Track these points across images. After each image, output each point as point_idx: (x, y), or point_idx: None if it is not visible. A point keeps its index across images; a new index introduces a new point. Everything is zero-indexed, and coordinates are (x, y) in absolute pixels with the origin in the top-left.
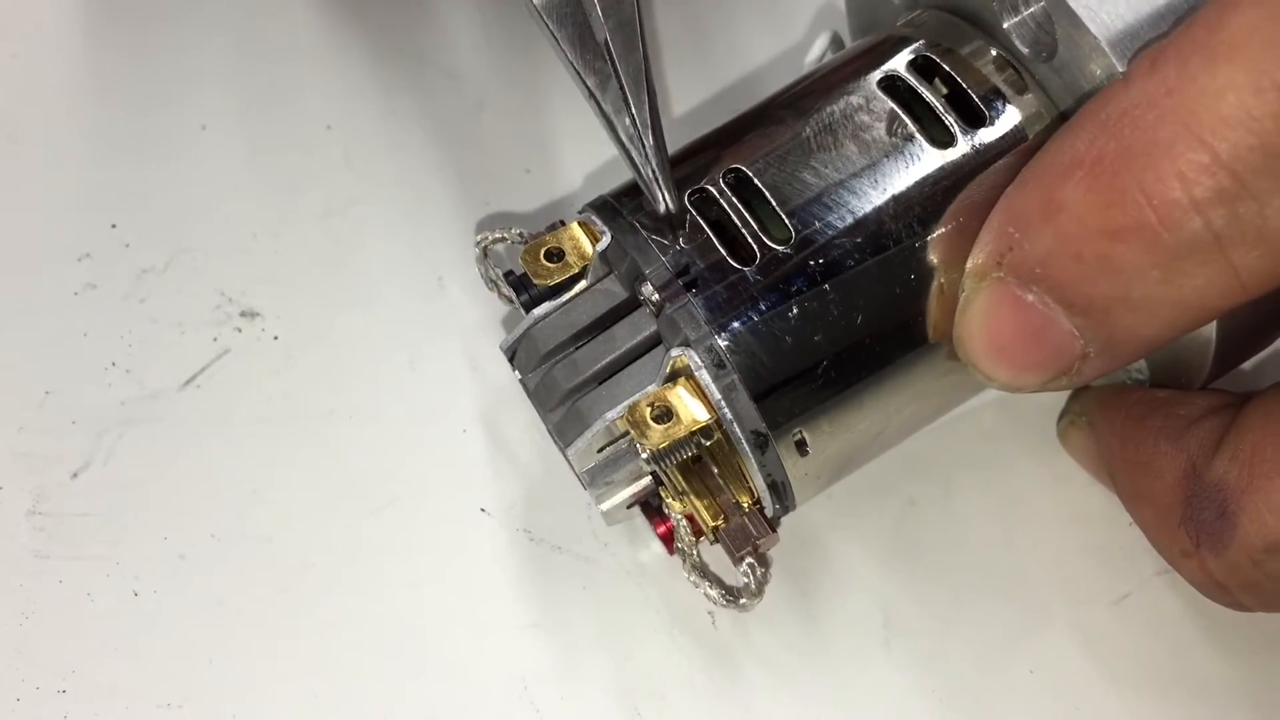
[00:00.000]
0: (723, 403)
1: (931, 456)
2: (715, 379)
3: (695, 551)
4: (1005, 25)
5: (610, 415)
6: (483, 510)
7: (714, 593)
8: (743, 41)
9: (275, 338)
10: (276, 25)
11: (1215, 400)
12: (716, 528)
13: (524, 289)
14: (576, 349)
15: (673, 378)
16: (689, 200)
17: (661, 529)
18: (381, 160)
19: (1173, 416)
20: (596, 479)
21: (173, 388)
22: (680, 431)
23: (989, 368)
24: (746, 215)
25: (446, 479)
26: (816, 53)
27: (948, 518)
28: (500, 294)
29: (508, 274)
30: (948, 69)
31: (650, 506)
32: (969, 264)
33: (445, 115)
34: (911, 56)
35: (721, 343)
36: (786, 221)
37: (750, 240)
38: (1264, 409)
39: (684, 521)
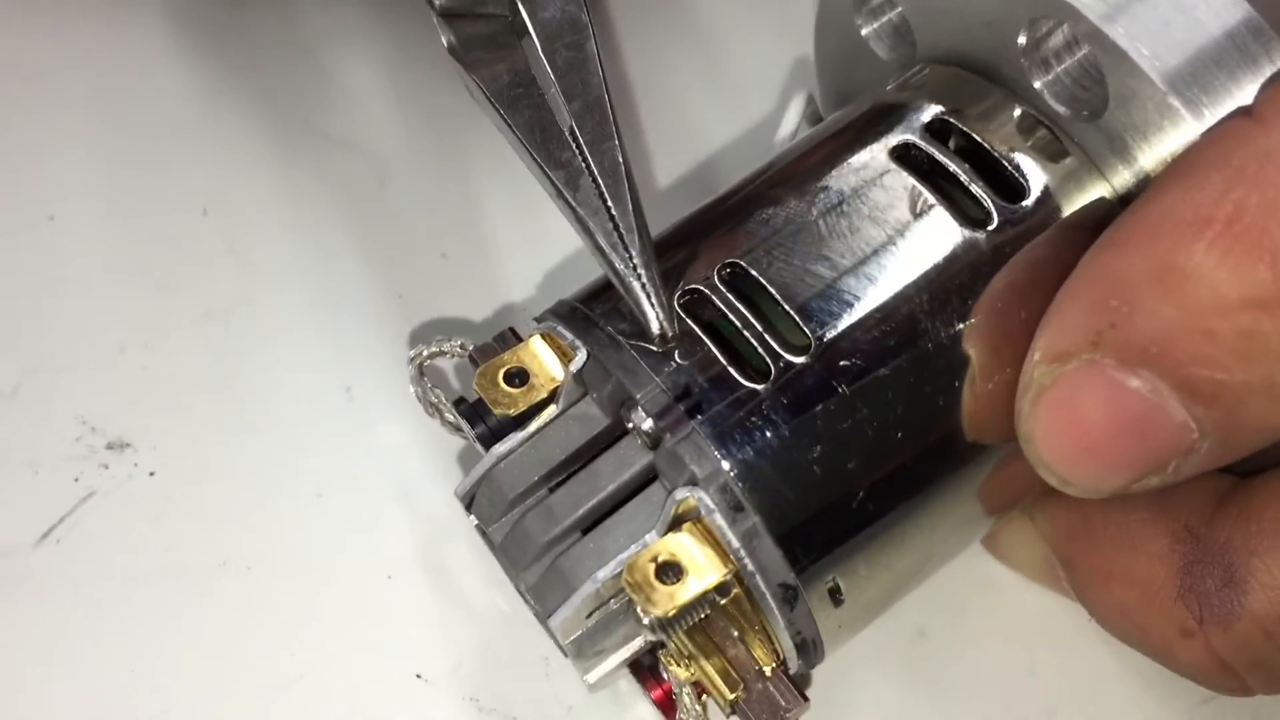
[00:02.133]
0: (742, 552)
1: (937, 577)
2: (732, 524)
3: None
4: (1036, 85)
5: (602, 575)
6: (419, 677)
7: None
8: (704, 103)
9: (151, 474)
10: (138, 92)
11: None
12: (735, 701)
13: (480, 419)
14: (551, 491)
15: (676, 524)
16: (679, 303)
17: (657, 693)
18: (270, 249)
19: None
20: (584, 650)
21: (26, 543)
22: (692, 593)
23: (1067, 469)
24: (752, 320)
25: (372, 640)
26: (793, 115)
27: (963, 646)
28: (444, 421)
29: (458, 402)
30: (971, 133)
31: (641, 665)
32: (1042, 346)
33: (344, 193)
34: (927, 119)
35: (737, 480)
36: (802, 325)
37: (761, 351)
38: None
39: (688, 688)
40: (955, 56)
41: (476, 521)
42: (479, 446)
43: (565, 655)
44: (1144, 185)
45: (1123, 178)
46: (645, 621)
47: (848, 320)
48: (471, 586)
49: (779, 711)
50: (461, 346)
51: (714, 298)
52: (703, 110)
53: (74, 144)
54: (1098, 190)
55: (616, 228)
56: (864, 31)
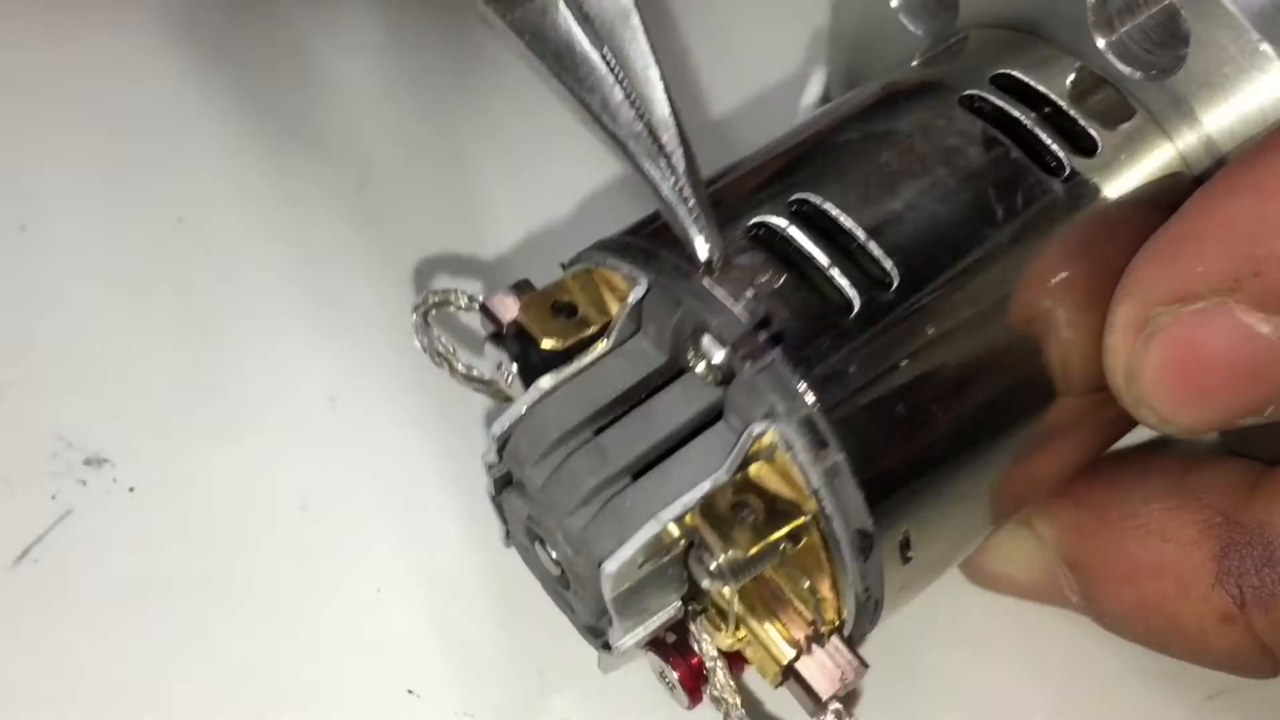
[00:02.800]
0: (825, 492)
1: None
2: (815, 461)
3: (737, 700)
4: (1100, 44)
5: (667, 514)
6: (410, 692)
7: None
8: (711, 83)
9: (130, 489)
10: (110, 97)
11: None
12: (789, 666)
13: (526, 353)
14: (597, 433)
15: (745, 464)
16: (747, 236)
17: (682, 670)
18: (248, 256)
19: (1168, 470)
20: (627, 608)
21: (3, 565)
22: (775, 532)
23: (1173, 408)
24: (830, 251)
25: (362, 655)
26: (815, 88)
27: (962, 648)
28: (453, 372)
29: (497, 334)
30: (1037, 87)
31: (663, 643)
32: (1166, 286)
33: (323, 197)
34: (990, 74)
35: (822, 413)
36: (881, 260)
37: (843, 282)
38: None
39: (720, 660)
40: (1001, 20)
41: (491, 462)
42: (511, 387)
43: (593, 625)
44: (1210, 145)
45: (1186, 138)
46: (712, 568)
47: (928, 258)
48: (462, 598)
49: (839, 676)
50: (470, 298)
51: (785, 230)
52: (710, 91)
53: (45, 151)
54: (1162, 149)
55: (660, 148)
56: (895, 2)
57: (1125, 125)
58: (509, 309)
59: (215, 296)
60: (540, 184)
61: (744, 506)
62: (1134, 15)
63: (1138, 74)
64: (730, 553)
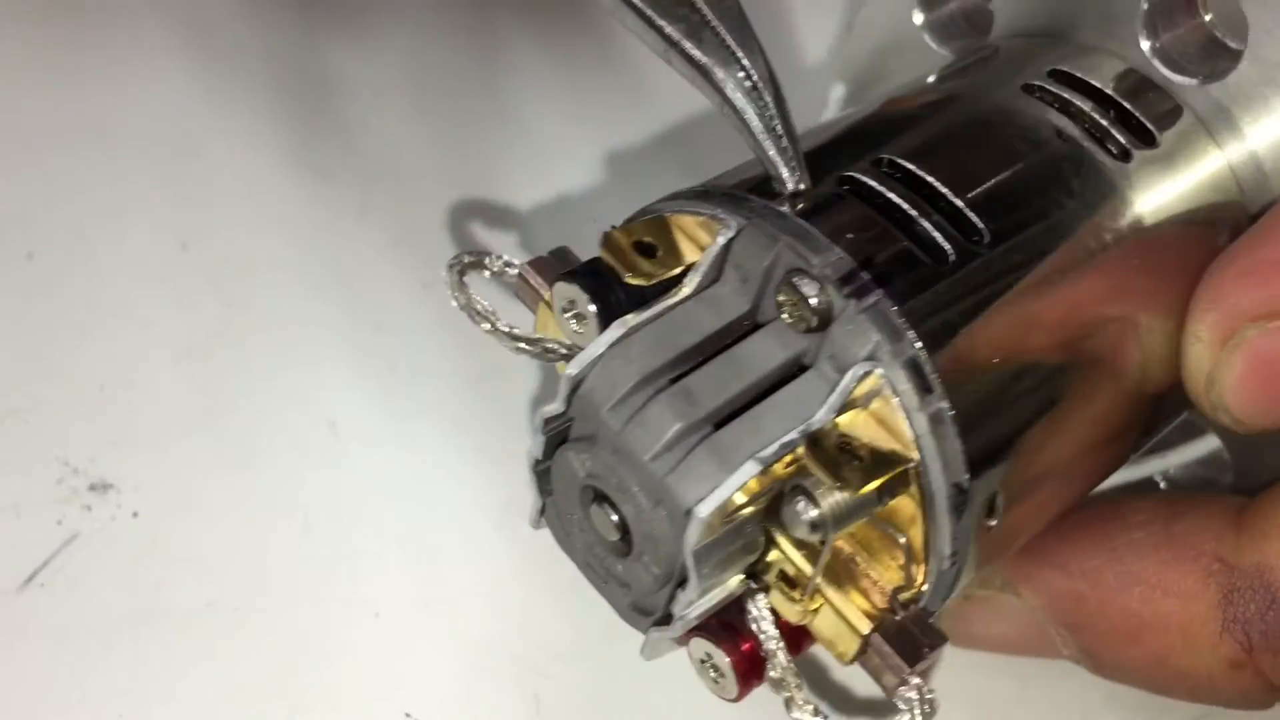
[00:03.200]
0: (927, 440)
1: None
2: (920, 407)
3: (801, 681)
4: (1144, 47)
5: (770, 453)
6: (408, 715)
7: None
8: None
9: (135, 514)
10: (115, 125)
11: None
12: (868, 638)
13: (605, 292)
14: (675, 380)
15: (843, 410)
16: (839, 190)
17: (735, 655)
18: (251, 283)
19: (1151, 520)
20: (705, 563)
21: (9, 589)
22: (885, 475)
23: (1250, 411)
24: (923, 203)
25: (360, 678)
26: (834, 107)
27: (954, 669)
28: (496, 329)
29: (570, 274)
30: (1092, 82)
31: (711, 628)
32: (1244, 305)
33: (324, 225)
34: (1046, 68)
35: (928, 356)
36: (972, 216)
37: (937, 234)
38: None
39: (779, 640)
40: (1035, 31)
41: (554, 413)
42: (581, 332)
43: (644, 602)
44: (1255, 158)
45: (1232, 146)
46: (813, 515)
47: (1014, 217)
48: (460, 622)
49: (919, 649)
50: (505, 262)
51: (876, 185)
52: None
53: (50, 180)
54: (1210, 153)
55: (749, 77)
56: (918, 20)
57: (1176, 125)
58: (550, 273)
59: (218, 323)
60: (565, 203)
61: (848, 450)
62: (1176, 26)
63: (1183, 79)
64: (843, 492)
